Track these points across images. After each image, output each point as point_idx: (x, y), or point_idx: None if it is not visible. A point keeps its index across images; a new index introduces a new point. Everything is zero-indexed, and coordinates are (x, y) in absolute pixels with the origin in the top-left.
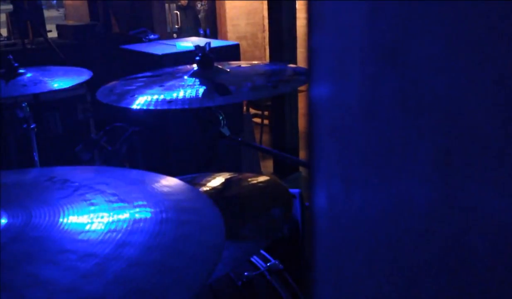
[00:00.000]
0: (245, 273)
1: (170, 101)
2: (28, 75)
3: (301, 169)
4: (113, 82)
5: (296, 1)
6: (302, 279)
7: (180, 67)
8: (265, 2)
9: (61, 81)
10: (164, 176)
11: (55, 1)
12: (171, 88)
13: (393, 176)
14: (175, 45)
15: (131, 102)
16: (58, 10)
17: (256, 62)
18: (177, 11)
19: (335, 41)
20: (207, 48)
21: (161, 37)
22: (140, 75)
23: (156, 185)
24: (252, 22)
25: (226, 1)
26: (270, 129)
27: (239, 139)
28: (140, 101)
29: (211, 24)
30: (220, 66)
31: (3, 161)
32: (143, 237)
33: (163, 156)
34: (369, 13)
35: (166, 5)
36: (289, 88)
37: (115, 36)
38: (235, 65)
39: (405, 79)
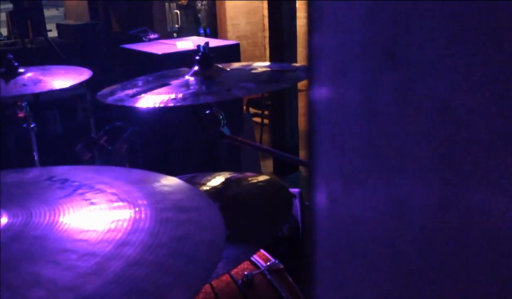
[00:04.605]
0: (245, 273)
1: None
2: (28, 74)
3: (301, 168)
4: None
5: (296, 1)
6: (302, 278)
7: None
8: (265, 2)
9: (61, 80)
10: (164, 175)
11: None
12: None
13: (393, 175)
14: (175, 45)
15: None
16: (58, 10)
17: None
18: (177, 11)
19: (335, 40)
20: (201, 49)
21: (161, 37)
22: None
23: (156, 184)
24: (252, 22)
25: (226, 1)
26: (270, 129)
27: (239, 138)
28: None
29: (211, 23)
30: (220, 66)
31: (3, 160)
32: (143, 237)
33: (163, 155)
34: (369, 12)
35: (166, 4)
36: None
37: (115, 36)
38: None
39: (405, 79)
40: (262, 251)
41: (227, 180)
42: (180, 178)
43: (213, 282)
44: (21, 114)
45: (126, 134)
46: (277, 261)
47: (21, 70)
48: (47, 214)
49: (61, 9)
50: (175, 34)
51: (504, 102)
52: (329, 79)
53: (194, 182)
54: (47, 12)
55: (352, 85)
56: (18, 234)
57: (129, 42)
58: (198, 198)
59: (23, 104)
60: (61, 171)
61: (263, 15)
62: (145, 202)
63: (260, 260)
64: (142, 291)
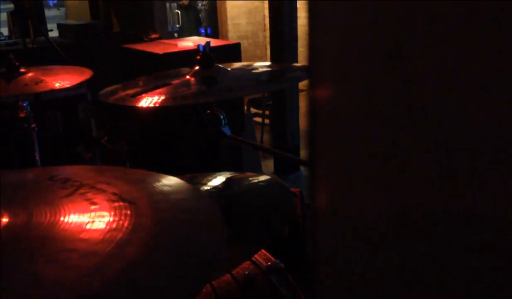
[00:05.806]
0: (246, 272)
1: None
2: (29, 74)
3: (302, 168)
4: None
5: (297, 0)
6: (303, 278)
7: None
8: (266, 2)
9: (62, 80)
10: (165, 175)
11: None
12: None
13: (394, 175)
14: (176, 45)
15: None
16: (59, 10)
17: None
18: (178, 10)
19: (336, 40)
20: (202, 49)
21: (162, 36)
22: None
23: (157, 184)
24: (253, 22)
25: (227, 1)
26: (271, 129)
27: (240, 138)
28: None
29: (212, 23)
30: (221, 66)
31: (4, 160)
32: (143, 237)
33: (164, 155)
34: (370, 13)
35: (167, 4)
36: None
37: (116, 35)
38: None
39: (406, 79)
40: (262, 251)
41: (227, 179)
42: (180, 178)
43: (213, 282)
44: (22, 114)
45: (127, 134)
46: (277, 261)
47: (22, 70)
48: (48, 213)
49: (62, 9)
50: (176, 34)
51: (506, 103)
52: (330, 80)
53: (194, 182)
54: (48, 12)
55: (353, 85)
56: (18, 234)
57: (129, 42)
58: (198, 198)
59: (24, 104)
60: (62, 170)
61: (264, 15)
62: (145, 202)
63: (260, 260)
64: (142, 291)
